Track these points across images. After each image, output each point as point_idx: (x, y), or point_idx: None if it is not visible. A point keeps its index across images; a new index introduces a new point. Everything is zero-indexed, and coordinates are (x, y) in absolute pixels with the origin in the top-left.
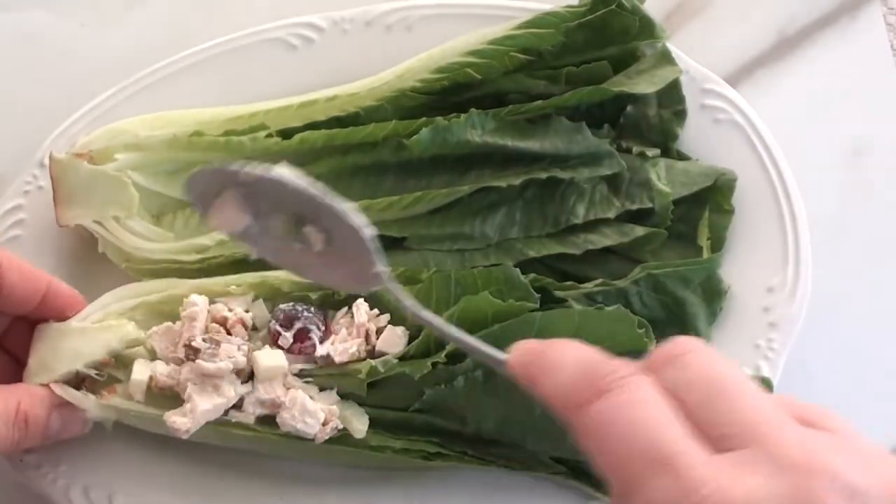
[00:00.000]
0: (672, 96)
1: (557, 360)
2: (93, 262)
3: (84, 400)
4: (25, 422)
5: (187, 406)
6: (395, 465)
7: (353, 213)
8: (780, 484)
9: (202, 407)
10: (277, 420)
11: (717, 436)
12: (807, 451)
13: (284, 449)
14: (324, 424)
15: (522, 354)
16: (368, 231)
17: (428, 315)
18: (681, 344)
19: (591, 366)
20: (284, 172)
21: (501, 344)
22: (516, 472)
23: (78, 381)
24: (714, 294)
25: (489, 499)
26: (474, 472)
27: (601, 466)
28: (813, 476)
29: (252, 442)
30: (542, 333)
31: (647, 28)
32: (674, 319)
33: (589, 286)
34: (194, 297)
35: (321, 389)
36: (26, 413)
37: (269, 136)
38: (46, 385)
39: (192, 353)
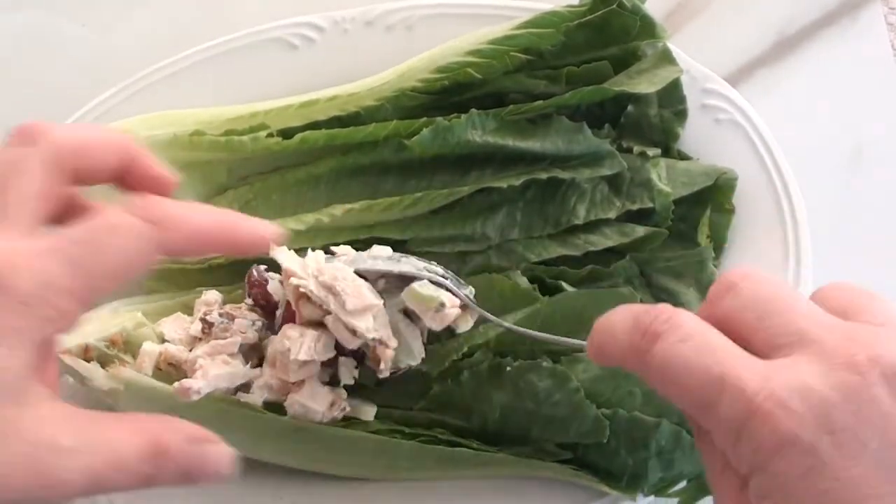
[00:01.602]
0: (673, 96)
1: (610, 327)
2: None
3: (92, 370)
4: (162, 455)
5: (199, 372)
6: (399, 470)
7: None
8: (832, 377)
9: (214, 371)
10: (286, 403)
11: (771, 347)
12: (854, 349)
13: (287, 440)
14: (331, 406)
15: (591, 334)
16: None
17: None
18: (733, 274)
19: (637, 319)
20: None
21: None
22: (519, 474)
23: (87, 357)
24: (708, 288)
25: (491, 501)
26: (476, 475)
27: (679, 405)
28: (861, 368)
29: (253, 434)
30: (548, 318)
31: (647, 28)
32: None
33: (581, 273)
34: (213, 291)
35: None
36: (163, 443)
37: (270, 135)
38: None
39: (207, 326)
